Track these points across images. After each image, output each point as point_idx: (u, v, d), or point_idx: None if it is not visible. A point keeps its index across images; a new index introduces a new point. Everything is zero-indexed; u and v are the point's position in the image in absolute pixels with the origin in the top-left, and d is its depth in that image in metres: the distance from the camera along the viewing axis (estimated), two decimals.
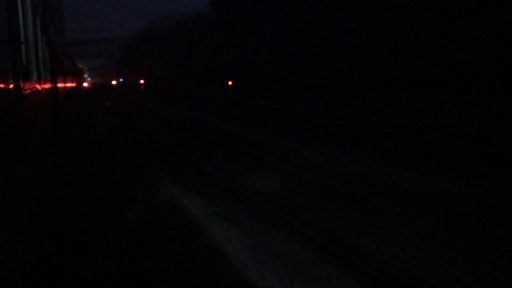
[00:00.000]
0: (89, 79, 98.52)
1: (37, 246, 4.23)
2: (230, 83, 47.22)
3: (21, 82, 3.37)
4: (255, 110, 21.84)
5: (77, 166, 10.15)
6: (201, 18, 70.68)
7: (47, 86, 7.49)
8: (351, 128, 14.36)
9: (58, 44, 18.47)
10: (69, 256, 5.18)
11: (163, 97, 38.43)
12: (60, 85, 13.75)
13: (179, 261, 4.98)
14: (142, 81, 73.75)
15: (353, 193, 6.80)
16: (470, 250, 4.92)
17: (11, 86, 2.92)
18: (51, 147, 7.20)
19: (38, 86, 5.20)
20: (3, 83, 2.57)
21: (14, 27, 3.23)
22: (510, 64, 22.14)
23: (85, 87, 63.02)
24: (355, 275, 4.44)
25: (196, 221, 6.14)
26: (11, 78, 2.93)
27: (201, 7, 72.94)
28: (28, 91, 3.94)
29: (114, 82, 79.13)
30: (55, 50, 11.82)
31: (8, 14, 3.01)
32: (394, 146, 11.07)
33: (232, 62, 54.53)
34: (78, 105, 29.01)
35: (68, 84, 27.74)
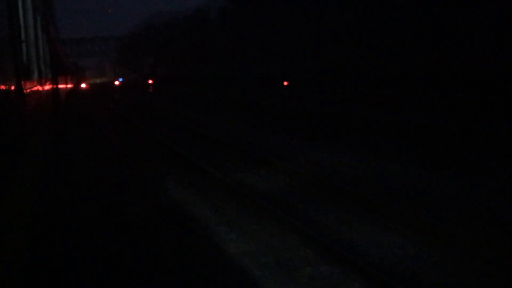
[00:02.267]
0: None
1: (38, 247, 4.20)
2: (285, 83, 39.64)
3: (22, 81, 3.34)
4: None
5: (78, 168, 10.12)
6: (203, 13, 68.60)
7: (48, 87, 7.46)
8: None
9: (59, 43, 18.42)
10: (69, 257, 5.15)
11: (194, 104, 27.94)
12: (61, 86, 13.63)
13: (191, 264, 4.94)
14: (150, 81, 69.40)
15: None
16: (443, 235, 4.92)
17: (12, 85, 2.89)
18: (52, 147, 7.17)
19: (39, 87, 5.17)
20: (3, 82, 2.54)
21: (14, 25, 3.20)
22: None
23: (83, 88, 59.77)
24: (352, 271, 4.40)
25: None
26: (12, 77, 2.90)
27: (199, 4, 71.61)
28: (29, 90, 3.90)
29: (116, 83, 78.29)
30: (55, 49, 11.80)
31: (9, 13, 2.97)
32: None
33: (259, 58, 47.58)
34: (80, 111, 25.27)
35: (69, 85, 27.29)
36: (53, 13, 13.24)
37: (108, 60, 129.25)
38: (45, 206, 5.09)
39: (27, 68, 4.24)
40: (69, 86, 26.75)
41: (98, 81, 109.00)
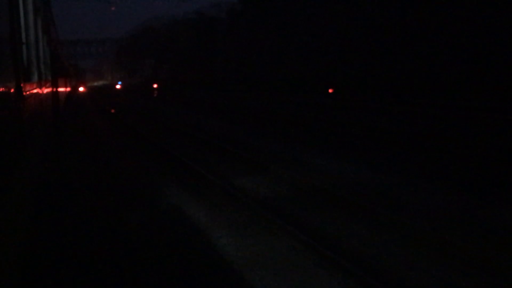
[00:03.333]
0: None
1: (36, 248, 4.15)
2: (330, 91, 34.34)
3: (22, 84, 3.29)
4: None
5: (78, 170, 10.08)
6: (206, 16, 67.83)
7: (48, 89, 7.42)
8: None
9: (59, 45, 18.35)
10: (68, 258, 5.09)
11: (214, 113, 23.27)
12: (61, 89, 13.49)
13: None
14: (155, 85, 68.92)
15: None
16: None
17: (12, 88, 2.84)
18: (51, 149, 7.13)
19: (38, 89, 5.13)
20: (3, 85, 2.49)
21: (15, 27, 3.16)
22: None
23: (81, 92, 57.50)
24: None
25: None
26: (12, 79, 2.85)
27: (200, 7, 71.19)
28: (28, 92, 3.86)
29: (118, 86, 77.59)
30: (56, 50, 11.75)
31: (9, 14, 2.93)
32: None
33: (275, 63, 42.20)
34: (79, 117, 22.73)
35: (69, 89, 26.86)
36: (53, 14, 13.20)
37: (106, 62, 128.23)
38: (44, 206, 5.04)
39: (27, 70, 4.19)
40: (69, 89, 26.40)
41: (96, 84, 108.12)
